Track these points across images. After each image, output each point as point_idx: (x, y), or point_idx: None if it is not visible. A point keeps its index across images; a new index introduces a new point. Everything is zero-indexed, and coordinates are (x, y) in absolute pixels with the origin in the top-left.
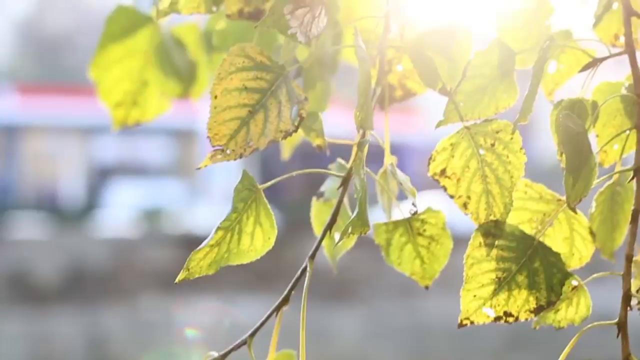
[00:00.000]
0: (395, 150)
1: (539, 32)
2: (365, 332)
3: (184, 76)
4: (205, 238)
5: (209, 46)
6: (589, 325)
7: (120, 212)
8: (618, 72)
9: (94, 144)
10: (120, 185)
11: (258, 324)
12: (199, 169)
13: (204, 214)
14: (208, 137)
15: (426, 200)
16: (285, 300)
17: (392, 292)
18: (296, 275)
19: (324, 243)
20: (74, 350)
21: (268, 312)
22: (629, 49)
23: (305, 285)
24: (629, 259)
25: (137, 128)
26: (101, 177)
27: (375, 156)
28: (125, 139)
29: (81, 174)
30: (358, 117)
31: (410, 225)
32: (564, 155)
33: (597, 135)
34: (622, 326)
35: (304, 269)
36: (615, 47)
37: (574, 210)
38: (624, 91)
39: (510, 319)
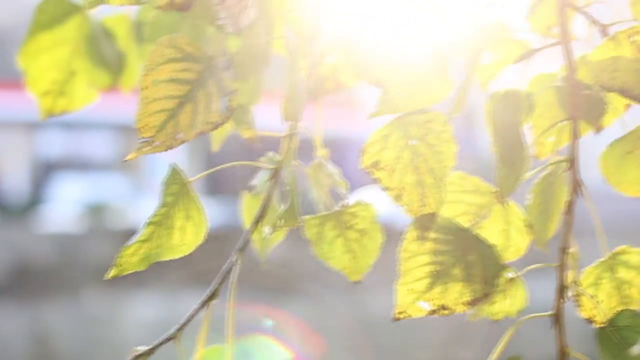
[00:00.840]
0: (341, 144)
1: (473, 23)
2: (312, 325)
3: (112, 67)
4: None
5: (139, 37)
6: (525, 317)
7: (64, 207)
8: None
9: (38, 138)
10: (64, 180)
11: (185, 318)
12: (126, 161)
13: (149, 208)
14: (136, 128)
15: (372, 194)
16: (213, 295)
17: (339, 286)
18: (224, 269)
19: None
20: (16, 346)
21: (195, 307)
22: (564, 40)
23: (232, 279)
24: (564, 251)
25: (82, 122)
26: (45, 171)
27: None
28: (69, 134)
29: (25, 169)
30: (285, 108)
31: (341, 219)
32: (496, 147)
33: (533, 127)
34: (557, 318)
35: (233, 263)
36: (549, 38)
37: (504, 202)
38: (559, 82)
39: (446, 312)
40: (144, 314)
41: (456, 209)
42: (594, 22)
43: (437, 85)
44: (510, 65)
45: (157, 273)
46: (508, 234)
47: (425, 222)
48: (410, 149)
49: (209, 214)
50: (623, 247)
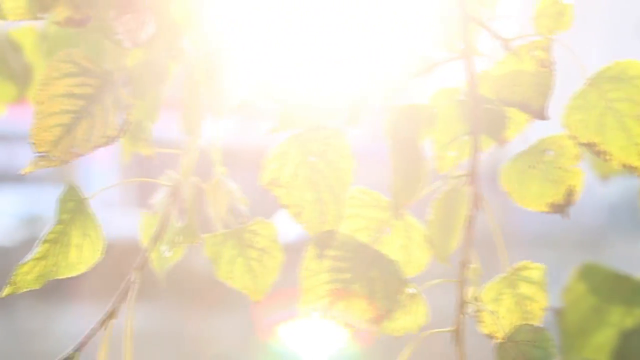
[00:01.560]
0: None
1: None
2: (245, 337)
3: (19, 80)
4: None
5: (45, 49)
6: (425, 333)
7: None
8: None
9: None
10: None
11: (82, 338)
12: (24, 174)
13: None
14: (31, 143)
15: None
16: (112, 314)
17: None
18: (122, 288)
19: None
20: None
21: (93, 326)
22: (466, 54)
23: (129, 298)
24: (464, 265)
25: (15, 134)
26: None
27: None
28: (3, 146)
29: None
30: (184, 124)
31: (241, 237)
32: (393, 159)
33: (434, 141)
34: (457, 334)
35: (131, 282)
36: (453, 52)
37: (400, 215)
38: (461, 97)
39: (350, 330)
40: (78, 326)
41: (357, 223)
42: (497, 36)
43: (337, 100)
44: (413, 79)
45: (91, 285)
46: (409, 249)
47: (324, 240)
48: (310, 165)
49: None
50: (524, 262)
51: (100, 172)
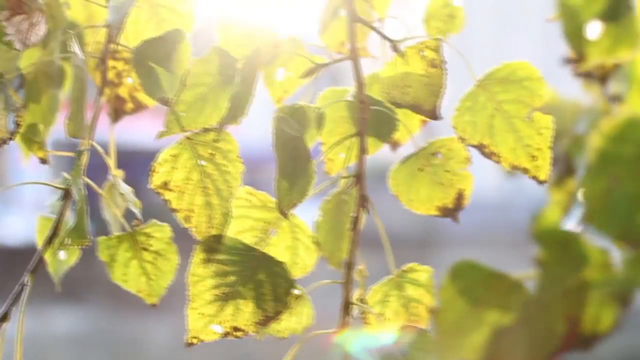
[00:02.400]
0: None
1: (265, 39)
2: (179, 339)
3: None
4: (18, 248)
5: None
6: (309, 335)
7: None
8: None
9: None
10: None
11: None
12: None
13: (15, 224)
14: None
15: None
16: (4, 317)
17: None
18: (15, 291)
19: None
20: None
21: None
22: (353, 55)
23: (22, 300)
24: (349, 267)
25: None
26: None
27: None
28: None
29: None
30: (69, 126)
31: (135, 240)
32: (278, 160)
33: (323, 143)
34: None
35: (24, 284)
36: (342, 54)
37: (285, 215)
38: (349, 98)
39: (239, 334)
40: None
41: (243, 224)
42: (385, 38)
43: (225, 102)
44: (302, 82)
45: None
46: (296, 250)
47: (211, 244)
48: (200, 169)
49: None
50: (411, 264)
51: (34, 174)
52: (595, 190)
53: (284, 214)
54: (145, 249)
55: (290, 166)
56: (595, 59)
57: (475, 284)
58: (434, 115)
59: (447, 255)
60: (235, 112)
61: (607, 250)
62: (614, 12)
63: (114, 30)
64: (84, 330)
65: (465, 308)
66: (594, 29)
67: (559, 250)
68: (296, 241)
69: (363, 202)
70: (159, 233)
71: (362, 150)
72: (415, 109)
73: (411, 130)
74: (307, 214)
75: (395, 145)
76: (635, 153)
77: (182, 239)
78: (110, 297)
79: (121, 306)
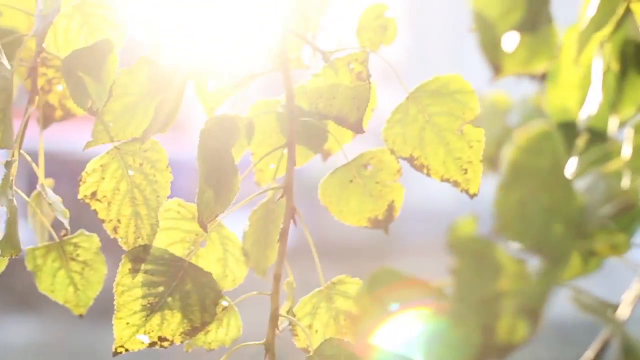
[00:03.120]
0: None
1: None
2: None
3: None
4: None
5: None
6: (236, 346)
7: None
8: None
9: None
10: None
11: None
12: None
13: None
14: None
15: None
16: None
17: None
18: None
19: None
20: None
21: None
22: (283, 66)
23: None
24: (277, 279)
25: None
26: None
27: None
28: None
29: None
30: None
31: (63, 250)
32: (201, 170)
33: (253, 154)
34: (269, 347)
35: None
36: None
37: (205, 228)
38: (280, 109)
39: (166, 344)
40: None
41: (173, 236)
42: (316, 48)
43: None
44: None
45: None
46: (226, 262)
47: (138, 254)
48: (128, 179)
49: None
50: (341, 276)
51: None
52: (509, 201)
53: (204, 227)
54: (73, 259)
55: (214, 177)
56: (511, 71)
57: (393, 292)
58: (358, 128)
59: (405, 265)
60: (161, 121)
61: (522, 260)
62: (531, 23)
63: (39, 38)
64: (39, 340)
65: (382, 315)
66: (510, 41)
67: (474, 259)
68: (226, 253)
69: (292, 213)
70: (87, 243)
71: (292, 162)
72: (340, 121)
73: (342, 142)
74: (239, 225)
75: (326, 155)
76: (550, 165)
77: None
78: (65, 307)
79: (74, 316)
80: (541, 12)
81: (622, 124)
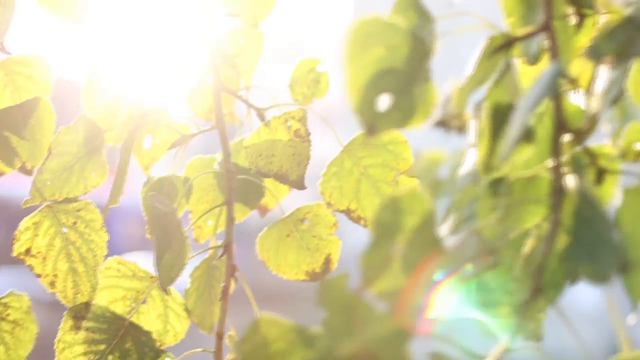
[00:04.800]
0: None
1: (132, 108)
2: None
3: None
4: None
5: None
6: None
7: None
8: None
9: None
10: None
11: None
12: None
13: None
14: None
15: (137, 259)
16: None
17: None
18: None
19: None
20: None
21: None
22: (219, 125)
23: None
24: (220, 336)
25: None
26: None
27: None
28: None
29: None
30: None
31: None
32: (153, 234)
33: (192, 211)
34: None
35: None
36: (210, 120)
37: (166, 291)
38: (216, 167)
39: None
40: None
41: (114, 293)
42: (251, 106)
43: (91, 173)
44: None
45: None
46: (167, 318)
47: (79, 312)
48: (63, 236)
49: None
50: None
51: None
52: (376, 259)
53: (165, 290)
54: (3, 319)
55: (165, 242)
56: (385, 131)
57: (277, 337)
58: (299, 184)
59: None
60: (116, 192)
61: (387, 314)
62: (405, 85)
63: None
64: None
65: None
66: (384, 102)
67: (343, 313)
68: (167, 309)
69: (232, 271)
70: (17, 303)
71: (230, 220)
72: (281, 178)
73: (279, 197)
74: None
75: (264, 211)
76: (418, 224)
77: None
78: None
79: None
80: (417, 72)
81: (497, 181)
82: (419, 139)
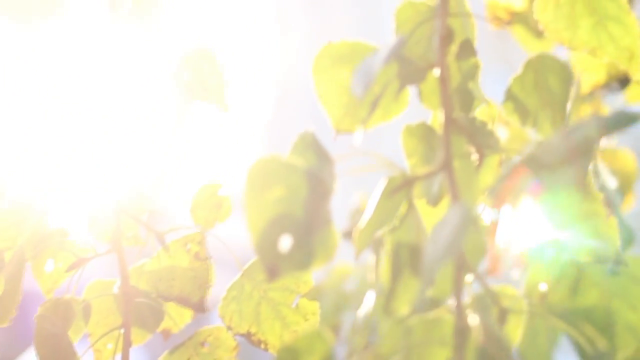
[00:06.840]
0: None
1: (33, 231)
2: None
3: None
4: None
5: None
6: None
7: None
8: None
9: None
10: None
11: None
12: None
13: None
14: None
15: None
16: None
17: None
18: None
19: None
20: None
21: None
22: (117, 248)
23: None
24: None
25: None
26: None
27: None
28: None
29: None
30: None
31: None
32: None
33: (91, 334)
34: None
35: None
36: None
37: None
38: (115, 290)
39: None
40: None
41: None
42: (151, 230)
43: None
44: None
45: None
46: None
47: None
48: None
49: None
50: None
51: None
52: None
53: None
54: None
55: None
56: (287, 273)
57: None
58: (201, 308)
59: None
60: (3, 313)
61: None
62: (305, 229)
63: None
64: None
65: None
66: (285, 244)
67: None
68: None
69: None
70: None
71: (127, 343)
72: (183, 302)
73: (180, 321)
74: None
75: (167, 334)
76: None
77: None
78: None
79: None
80: (317, 214)
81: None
82: None
